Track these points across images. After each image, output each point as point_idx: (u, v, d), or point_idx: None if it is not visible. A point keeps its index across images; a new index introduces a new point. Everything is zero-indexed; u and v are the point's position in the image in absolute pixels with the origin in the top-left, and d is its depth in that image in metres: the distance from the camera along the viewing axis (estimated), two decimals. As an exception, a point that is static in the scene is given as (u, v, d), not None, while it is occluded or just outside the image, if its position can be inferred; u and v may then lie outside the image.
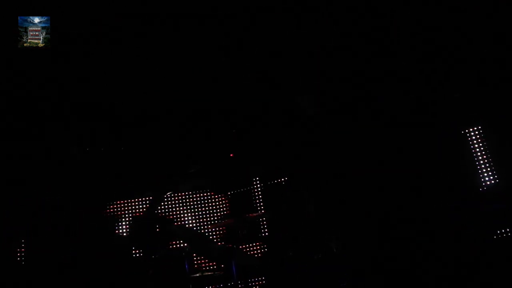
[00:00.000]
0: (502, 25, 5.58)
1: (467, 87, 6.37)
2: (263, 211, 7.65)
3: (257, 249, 7.62)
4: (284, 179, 7.72)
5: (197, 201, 8.08)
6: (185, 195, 8.06)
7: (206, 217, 8.02)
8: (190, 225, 7.90)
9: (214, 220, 7.96)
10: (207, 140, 7.27)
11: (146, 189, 7.78)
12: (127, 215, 7.72)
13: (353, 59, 5.99)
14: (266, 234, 7.51)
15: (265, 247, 7.37)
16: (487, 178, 6.41)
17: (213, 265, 7.23)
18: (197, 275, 5.63)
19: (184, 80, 5.91)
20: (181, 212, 7.99)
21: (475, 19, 5.30)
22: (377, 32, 5.58)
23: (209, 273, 5.50)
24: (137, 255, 7.57)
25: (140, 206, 7.85)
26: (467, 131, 6.59)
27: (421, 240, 5.66)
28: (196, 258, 7.49)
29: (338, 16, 5.22)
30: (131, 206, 7.79)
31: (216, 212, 8.05)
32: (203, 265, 7.52)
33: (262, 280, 7.01)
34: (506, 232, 5.81)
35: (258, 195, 7.85)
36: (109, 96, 5.93)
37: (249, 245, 7.67)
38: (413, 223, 5.79)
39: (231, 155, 7.66)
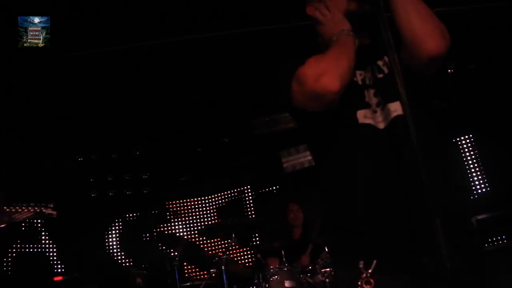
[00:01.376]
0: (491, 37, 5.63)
1: (458, 96, 6.41)
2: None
3: (248, 258, 7.58)
4: (276, 187, 7.70)
5: (187, 208, 8.03)
6: (175, 203, 8.01)
7: (197, 225, 7.97)
8: (181, 233, 7.85)
9: (204, 228, 7.91)
10: (198, 148, 7.24)
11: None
12: (117, 226, 7.67)
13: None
14: (257, 242, 7.48)
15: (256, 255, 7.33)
16: (478, 187, 6.43)
17: (203, 274, 7.17)
18: (188, 284, 5.58)
19: (176, 88, 5.89)
20: (172, 220, 7.94)
21: (464, 31, 5.32)
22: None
23: (200, 282, 5.45)
24: (127, 263, 7.51)
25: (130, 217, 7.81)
26: (458, 139, 6.61)
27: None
28: (187, 266, 7.43)
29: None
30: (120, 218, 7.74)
31: (207, 220, 8.00)
32: (194, 274, 7.46)
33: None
34: (497, 241, 5.81)
35: (250, 203, 7.83)
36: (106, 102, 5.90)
37: (240, 253, 7.63)
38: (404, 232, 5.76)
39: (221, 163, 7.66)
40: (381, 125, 1.67)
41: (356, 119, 1.68)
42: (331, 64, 1.60)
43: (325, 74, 1.57)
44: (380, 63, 1.74)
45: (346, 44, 1.68)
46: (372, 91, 1.73)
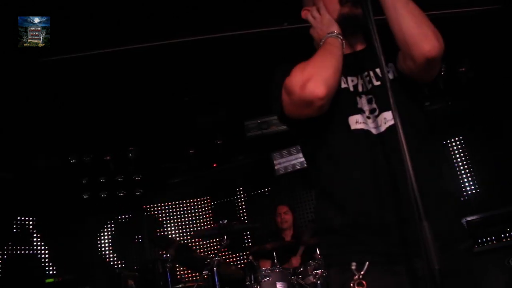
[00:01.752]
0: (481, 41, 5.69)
1: (449, 98, 6.46)
2: (246, 221, 7.64)
3: (239, 259, 7.58)
4: (268, 189, 7.71)
5: (180, 210, 8.03)
6: (168, 204, 8.00)
7: (190, 227, 7.97)
8: (173, 235, 7.84)
9: (197, 229, 7.92)
10: (190, 150, 7.23)
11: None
12: (109, 228, 7.65)
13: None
14: (249, 244, 7.48)
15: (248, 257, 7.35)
16: (468, 188, 6.48)
17: (195, 276, 7.17)
18: (180, 286, 5.57)
19: (169, 90, 5.89)
20: (164, 221, 7.93)
21: (456, 33, 5.37)
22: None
23: (192, 284, 5.44)
24: (119, 265, 7.49)
25: (123, 219, 7.79)
26: (448, 141, 6.66)
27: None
28: (179, 268, 7.42)
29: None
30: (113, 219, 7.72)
31: (200, 222, 8.00)
32: (186, 275, 7.45)
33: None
34: (487, 242, 5.85)
35: (242, 205, 7.83)
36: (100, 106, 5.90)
37: (232, 255, 7.63)
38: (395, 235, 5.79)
39: (214, 165, 7.66)
40: (375, 131, 1.67)
41: (348, 125, 1.68)
42: (316, 69, 1.59)
43: (310, 80, 1.55)
44: (379, 70, 1.74)
45: (333, 47, 1.67)
46: (365, 98, 1.72)
